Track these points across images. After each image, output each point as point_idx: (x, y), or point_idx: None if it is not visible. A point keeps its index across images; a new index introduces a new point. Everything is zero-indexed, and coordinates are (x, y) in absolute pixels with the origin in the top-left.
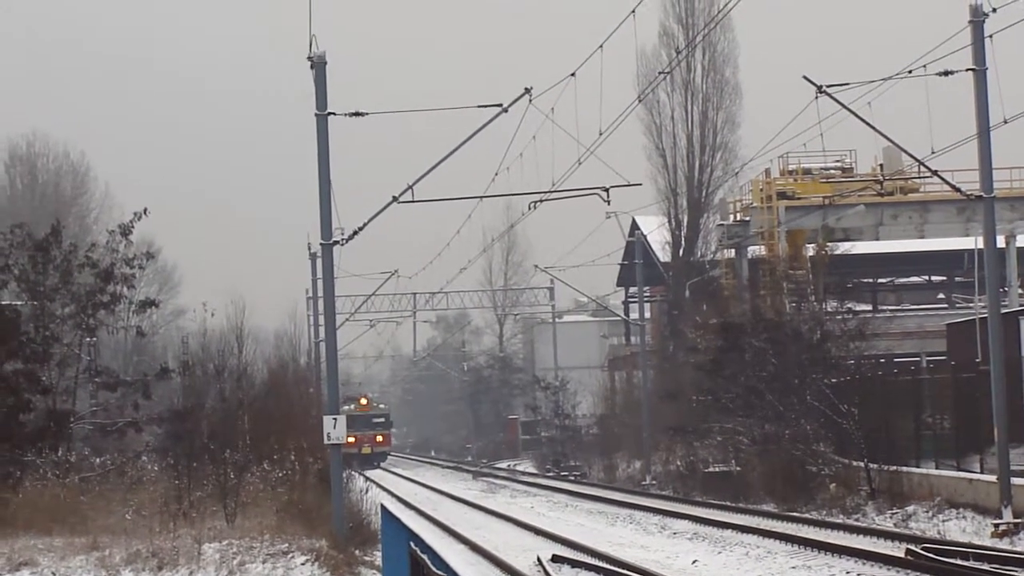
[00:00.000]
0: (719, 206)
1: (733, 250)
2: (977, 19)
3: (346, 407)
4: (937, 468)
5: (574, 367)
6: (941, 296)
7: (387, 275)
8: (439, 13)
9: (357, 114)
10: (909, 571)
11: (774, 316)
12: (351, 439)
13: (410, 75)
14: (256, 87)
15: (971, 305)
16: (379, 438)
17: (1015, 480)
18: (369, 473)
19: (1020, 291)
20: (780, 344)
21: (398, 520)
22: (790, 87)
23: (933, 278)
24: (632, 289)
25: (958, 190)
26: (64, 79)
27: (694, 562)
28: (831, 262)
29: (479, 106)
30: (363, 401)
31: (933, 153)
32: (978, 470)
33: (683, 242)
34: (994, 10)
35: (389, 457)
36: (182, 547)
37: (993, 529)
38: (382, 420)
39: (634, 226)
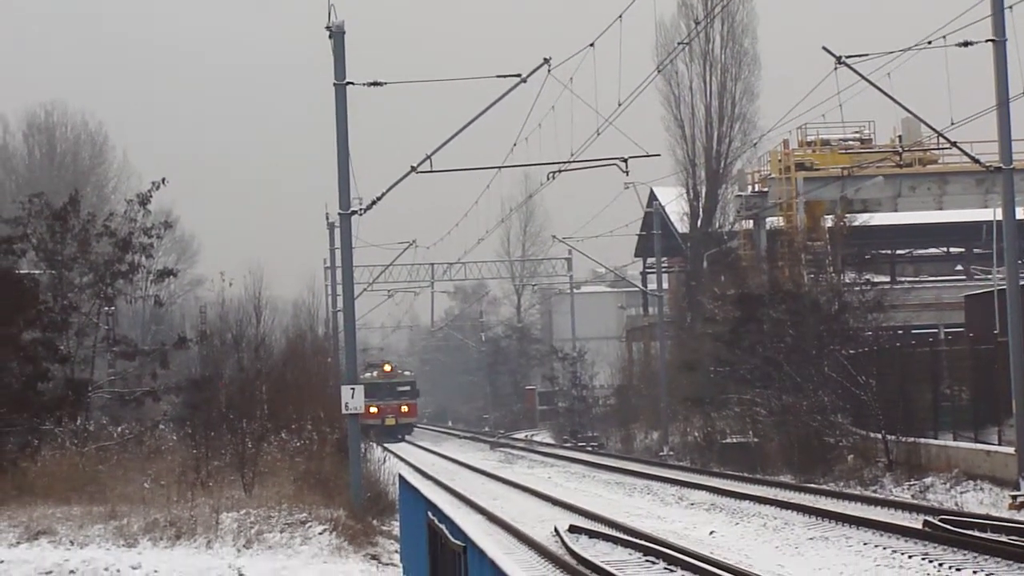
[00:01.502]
0: (737, 177)
1: (751, 221)
2: None
3: (367, 374)
4: (955, 440)
5: (592, 338)
6: (959, 267)
7: (405, 245)
8: None
9: (376, 84)
10: (927, 542)
11: (792, 287)
12: (373, 409)
13: (429, 45)
14: (275, 56)
15: (989, 277)
16: (404, 408)
17: None
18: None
19: None
20: (798, 315)
21: (416, 490)
22: (809, 58)
23: (951, 249)
24: (650, 260)
25: (977, 161)
26: (82, 49)
27: (711, 533)
28: (849, 233)
29: (498, 76)
30: (387, 367)
31: (952, 124)
32: (996, 442)
33: (701, 213)
34: None
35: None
36: (200, 516)
37: (1011, 501)
38: (408, 388)
39: (652, 197)
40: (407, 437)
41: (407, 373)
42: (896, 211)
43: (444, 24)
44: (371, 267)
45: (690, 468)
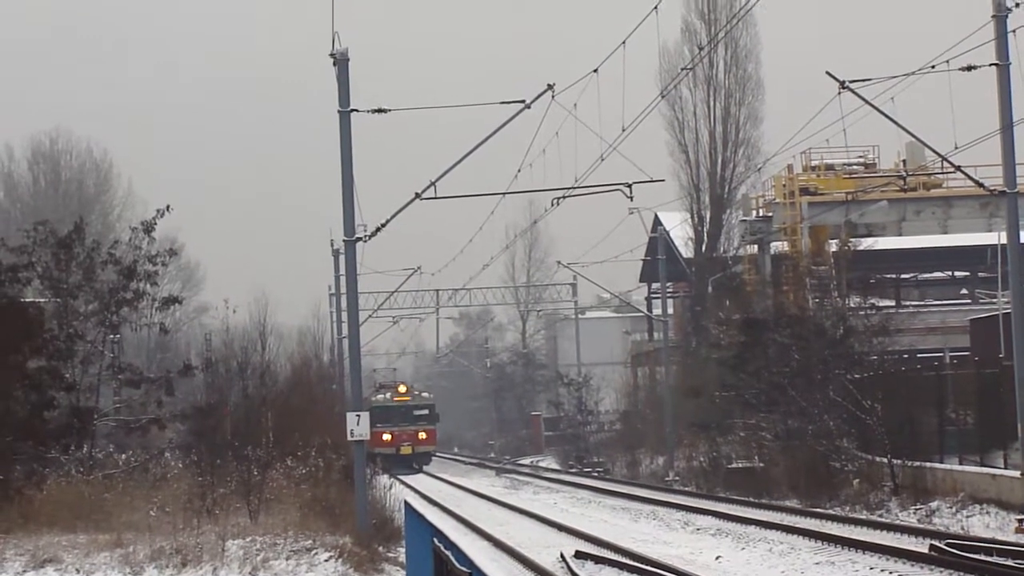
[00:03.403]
0: (742, 202)
1: (756, 246)
2: (1000, 14)
3: (379, 396)
4: (961, 464)
5: (597, 363)
6: (964, 291)
7: (410, 272)
8: (461, 9)
9: (380, 110)
10: (933, 567)
11: (797, 312)
12: (386, 436)
13: (433, 72)
14: (280, 83)
15: (994, 301)
16: (422, 435)
17: None
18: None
19: None
20: (803, 340)
21: (422, 516)
22: (813, 83)
23: (956, 273)
24: (655, 285)
25: (981, 185)
26: (86, 77)
27: (717, 558)
28: (854, 258)
29: (502, 102)
30: (402, 389)
31: (956, 148)
32: (1002, 466)
33: (706, 238)
34: (1017, 5)
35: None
36: (206, 544)
37: (1017, 525)
38: (426, 412)
39: (656, 222)
40: (425, 468)
41: (425, 395)
42: (901, 235)
43: (448, 51)
44: (376, 293)
45: (696, 493)
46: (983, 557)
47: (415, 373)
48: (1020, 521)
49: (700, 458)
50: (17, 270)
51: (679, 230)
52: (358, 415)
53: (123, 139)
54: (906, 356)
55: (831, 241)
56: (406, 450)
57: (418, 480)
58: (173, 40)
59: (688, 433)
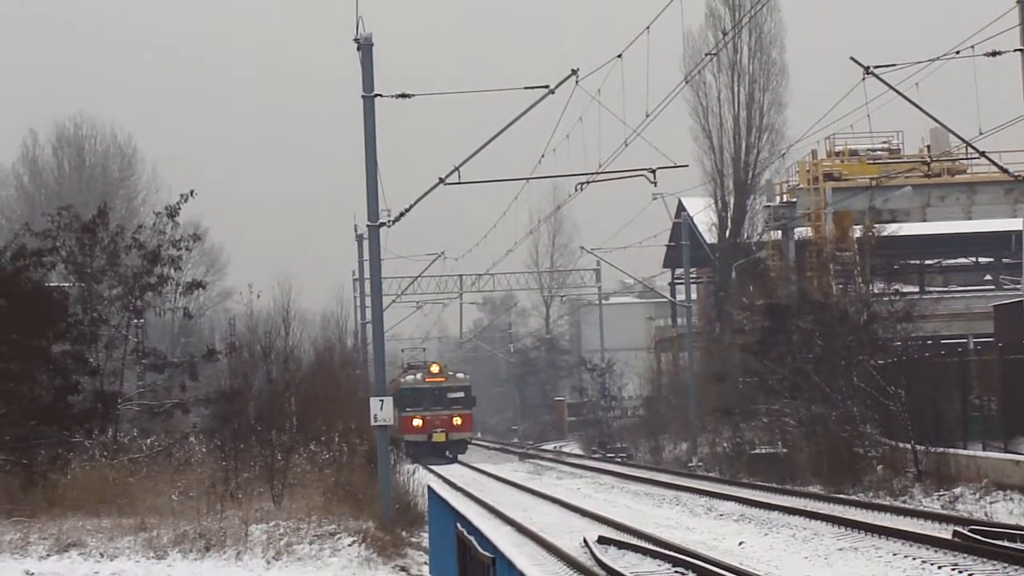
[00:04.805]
0: (765, 187)
1: (780, 232)
2: None
3: (408, 377)
4: (984, 450)
5: (620, 349)
6: (988, 277)
7: (434, 257)
8: None
9: (404, 95)
10: (956, 553)
11: (821, 298)
12: (417, 421)
13: (457, 57)
14: (304, 68)
15: (1019, 286)
16: (456, 420)
17: None
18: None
19: None
20: (827, 326)
21: (445, 502)
22: (837, 68)
23: (980, 259)
24: (678, 271)
25: (1006, 171)
26: (110, 62)
27: (741, 543)
28: (878, 243)
29: (526, 87)
30: (435, 369)
31: (981, 134)
32: None
33: (729, 223)
34: None
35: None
36: (229, 528)
37: None
38: (461, 395)
39: (680, 207)
40: (460, 457)
41: (460, 375)
42: (925, 221)
43: (471, 36)
44: (400, 279)
45: (719, 479)
46: (1007, 543)
47: (438, 358)
48: None
49: (723, 444)
50: (41, 255)
51: (703, 216)
52: (381, 400)
53: (147, 123)
54: (930, 342)
55: (855, 227)
56: (439, 437)
57: (442, 466)
58: (194, 29)
59: (711, 419)
